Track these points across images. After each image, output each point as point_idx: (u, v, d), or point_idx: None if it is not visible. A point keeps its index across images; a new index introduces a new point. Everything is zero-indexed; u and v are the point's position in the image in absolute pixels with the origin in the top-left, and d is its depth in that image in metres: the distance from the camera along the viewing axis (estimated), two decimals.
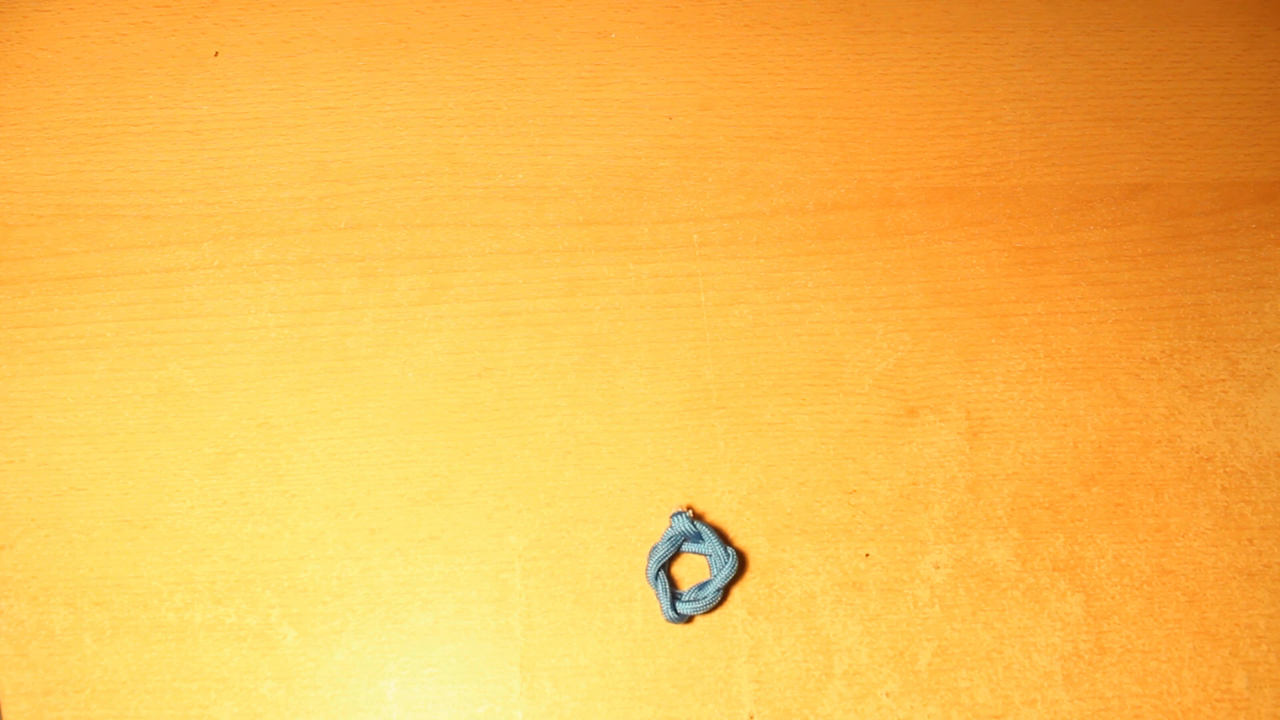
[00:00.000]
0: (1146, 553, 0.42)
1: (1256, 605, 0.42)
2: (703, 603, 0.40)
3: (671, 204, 0.47)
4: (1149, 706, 0.40)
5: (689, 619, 0.41)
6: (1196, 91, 0.49)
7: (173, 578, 0.42)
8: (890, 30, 0.50)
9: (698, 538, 0.41)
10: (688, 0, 0.50)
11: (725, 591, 0.41)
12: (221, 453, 0.43)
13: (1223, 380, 0.45)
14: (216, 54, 0.48)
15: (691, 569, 0.42)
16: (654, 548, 0.41)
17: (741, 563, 0.42)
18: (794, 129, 0.48)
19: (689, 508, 0.42)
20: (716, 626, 0.41)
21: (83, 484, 0.43)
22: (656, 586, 0.40)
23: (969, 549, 0.42)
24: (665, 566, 0.41)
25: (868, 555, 0.42)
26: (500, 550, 0.42)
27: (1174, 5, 0.50)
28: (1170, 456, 0.44)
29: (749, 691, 0.41)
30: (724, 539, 0.42)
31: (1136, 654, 0.41)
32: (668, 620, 0.40)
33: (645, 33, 0.49)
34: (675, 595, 0.40)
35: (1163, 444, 0.44)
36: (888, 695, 0.41)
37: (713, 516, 0.43)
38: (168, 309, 0.45)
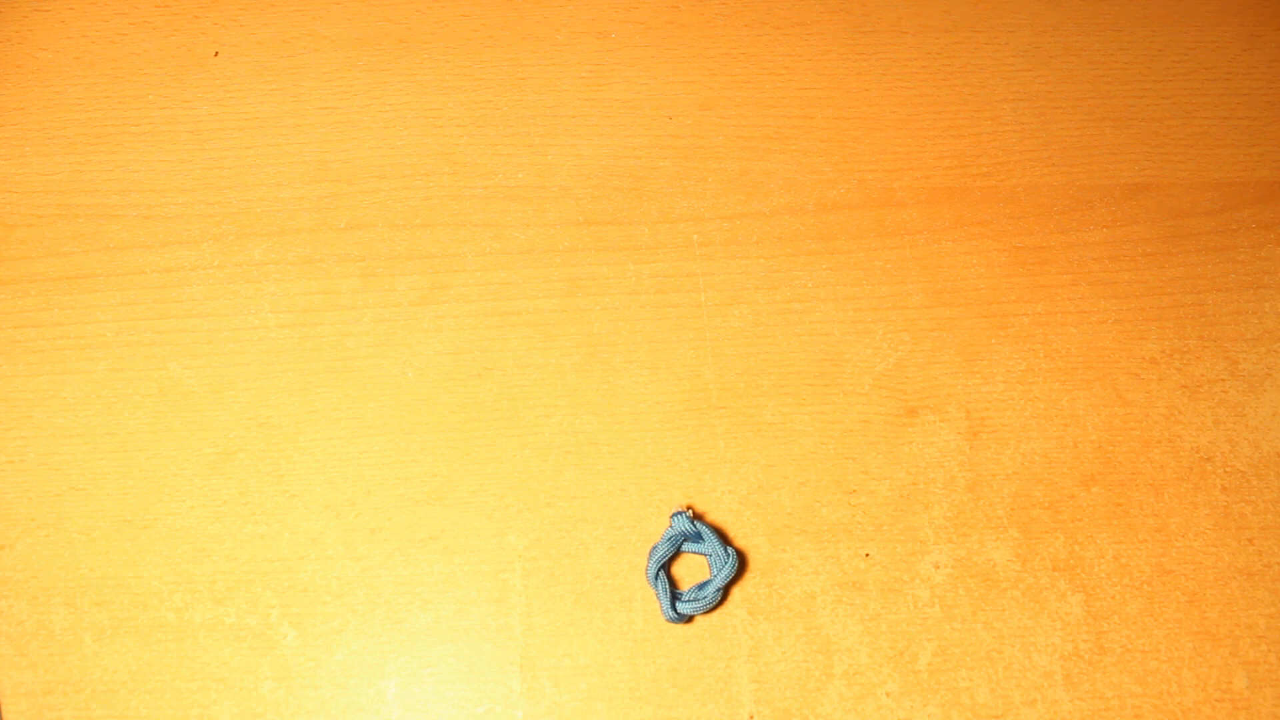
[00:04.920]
0: (1146, 553, 0.42)
1: (1256, 605, 0.42)
2: (703, 603, 0.40)
3: (671, 204, 0.47)
4: (1149, 706, 0.41)
5: (689, 619, 0.41)
6: (1196, 91, 0.49)
7: (173, 578, 0.42)
8: (890, 30, 0.50)
9: (698, 538, 0.41)
10: (688, 0, 0.50)
11: (725, 591, 0.41)
12: (221, 453, 0.43)
13: (1223, 380, 0.45)
14: (216, 54, 0.48)
15: (691, 569, 0.42)
16: (654, 548, 0.41)
17: (741, 563, 0.42)
18: (794, 129, 0.48)
19: (689, 508, 0.42)
20: (716, 626, 0.41)
21: (83, 484, 0.43)
22: (656, 586, 0.40)
23: (969, 549, 0.42)
24: (665, 566, 0.41)
25: (868, 555, 0.42)
26: (500, 550, 0.42)
27: (1174, 5, 0.50)
28: (1170, 456, 0.44)
29: (749, 691, 0.41)
30: (724, 539, 0.42)
31: (1136, 654, 0.41)
32: (668, 620, 0.40)
33: (645, 33, 0.49)
34: (675, 595, 0.40)
35: (1163, 444, 0.44)
36: (888, 695, 0.41)
37: (713, 516, 0.43)
38: (168, 309, 0.45)
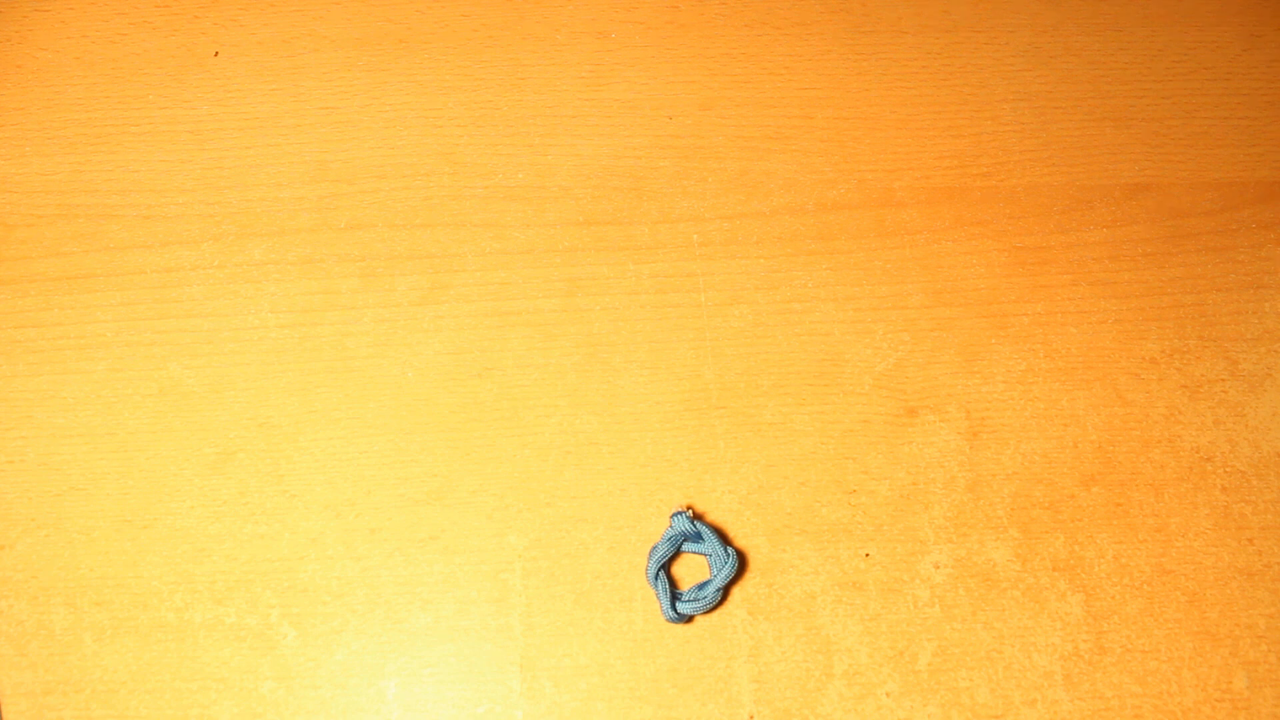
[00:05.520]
0: (1146, 553, 0.42)
1: (1256, 605, 0.42)
2: (703, 603, 0.40)
3: (671, 204, 0.47)
4: (1149, 706, 0.40)
5: (689, 619, 0.41)
6: (1196, 91, 0.49)
7: (173, 578, 0.42)
8: (890, 30, 0.50)
9: (698, 538, 0.41)
10: (688, 0, 0.50)
11: (725, 591, 0.41)
12: (221, 453, 0.43)
13: (1223, 380, 0.45)
14: (216, 54, 0.48)
15: (691, 569, 0.42)
16: (654, 548, 0.41)
17: (741, 563, 0.42)
18: (794, 129, 0.48)
19: (689, 508, 0.42)
20: (716, 626, 0.41)
21: (83, 484, 0.43)
22: (656, 586, 0.40)
23: (969, 549, 0.42)
24: (665, 566, 0.41)
25: (868, 555, 0.42)
26: (500, 550, 0.42)
27: (1174, 5, 0.50)
28: (1170, 456, 0.44)
29: (749, 691, 0.41)
30: (724, 539, 0.42)
31: (1136, 654, 0.41)
32: (668, 620, 0.40)
33: (645, 33, 0.49)
34: (675, 595, 0.40)
35: (1163, 444, 0.44)
36: (888, 695, 0.41)
37: (713, 516, 0.43)
38: (168, 309, 0.45)
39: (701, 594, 0.40)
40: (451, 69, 0.49)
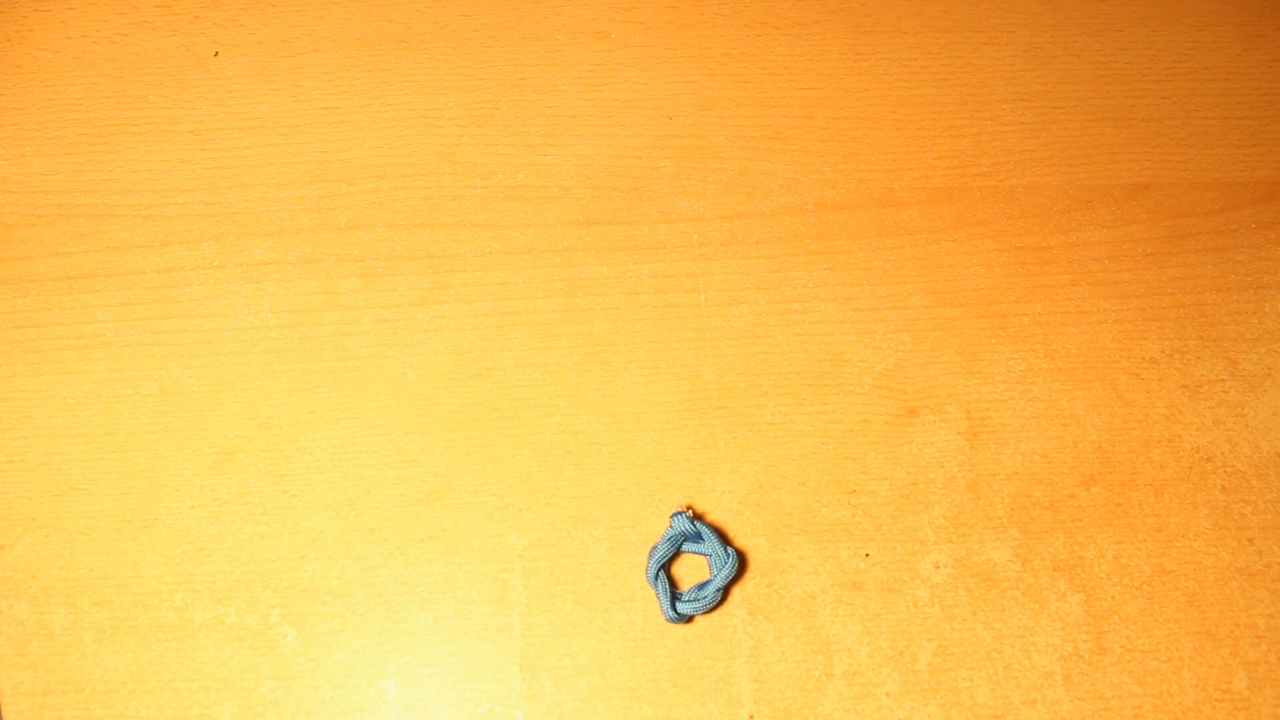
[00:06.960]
0: (1146, 553, 0.42)
1: (1256, 605, 0.42)
2: (703, 603, 0.40)
3: (671, 204, 0.47)
4: (1149, 706, 0.41)
5: (689, 619, 0.41)
6: (1196, 91, 0.49)
7: (173, 578, 0.42)
8: (890, 30, 0.50)
9: (698, 538, 0.41)
10: (688, 0, 0.50)
11: (725, 591, 0.41)
12: (221, 453, 0.43)
13: (1223, 380, 0.45)
14: (216, 54, 0.48)
15: (691, 569, 0.42)
16: (654, 548, 0.41)
17: (741, 563, 0.42)
18: (794, 129, 0.48)
19: (689, 508, 0.42)
20: (716, 626, 0.41)
21: (83, 484, 0.43)
22: (656, 586, 0.40)
23: (969, 549, 0.42)
24: (665, 566, 0.41)
25: (868, 555, 0.42)
26: (500, 550, 0.42)
27: (1174, 5, 0.50)
28: (1170, 456, 0.44)
29: (749, 691, 0.41)
30: (724, 539, 0.42)
31: (1136, 654, 0.41)
32: (668, 620, 0.40)
33: (645, 33, 0.49)
34: (675, 595, 0.40)
35: (1163, 444, 0.44)
36: (888, 695, 0.41)
37: (713, 516, 0.43)
38: (168, 309, 0.45)
39: (701, 594, 0.40)
40: (451, 69, 0.49)
